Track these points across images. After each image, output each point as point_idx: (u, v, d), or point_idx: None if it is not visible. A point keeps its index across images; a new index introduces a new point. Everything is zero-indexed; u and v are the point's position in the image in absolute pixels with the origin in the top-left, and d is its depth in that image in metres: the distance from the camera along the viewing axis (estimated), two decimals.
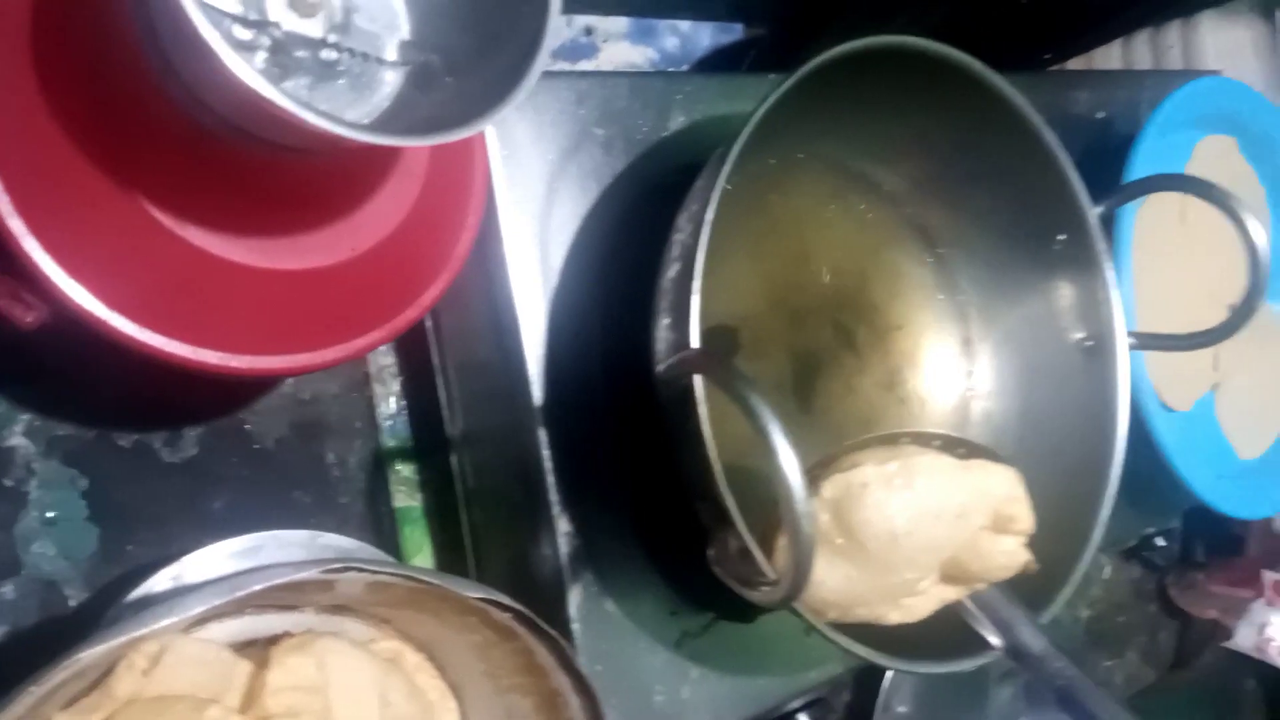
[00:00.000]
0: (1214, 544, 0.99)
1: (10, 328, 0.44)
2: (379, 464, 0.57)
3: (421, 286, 0.40)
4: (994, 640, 0.43)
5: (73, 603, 0.49)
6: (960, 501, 0.40)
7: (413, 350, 0.56)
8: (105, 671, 0.38)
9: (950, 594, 0.43)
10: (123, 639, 0.33)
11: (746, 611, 0.54)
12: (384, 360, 0.57)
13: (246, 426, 0.53)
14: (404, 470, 0.57)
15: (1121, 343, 0.51)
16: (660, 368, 0.39)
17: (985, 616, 0.43)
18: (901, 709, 0.78)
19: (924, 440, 0.42)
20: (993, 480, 0.41)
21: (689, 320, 0.37)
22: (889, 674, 0.74)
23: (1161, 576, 0.99)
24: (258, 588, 0.34)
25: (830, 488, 0.40)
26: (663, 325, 0.40)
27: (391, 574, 0.37)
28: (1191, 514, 0.94)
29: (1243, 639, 1.03)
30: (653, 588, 0.51)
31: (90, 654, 0.32)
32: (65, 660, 0.32)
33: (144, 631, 0.33)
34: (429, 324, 0.54)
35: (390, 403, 0.57)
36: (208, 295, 0.36)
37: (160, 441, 0.51)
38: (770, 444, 0.31)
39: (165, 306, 0.35)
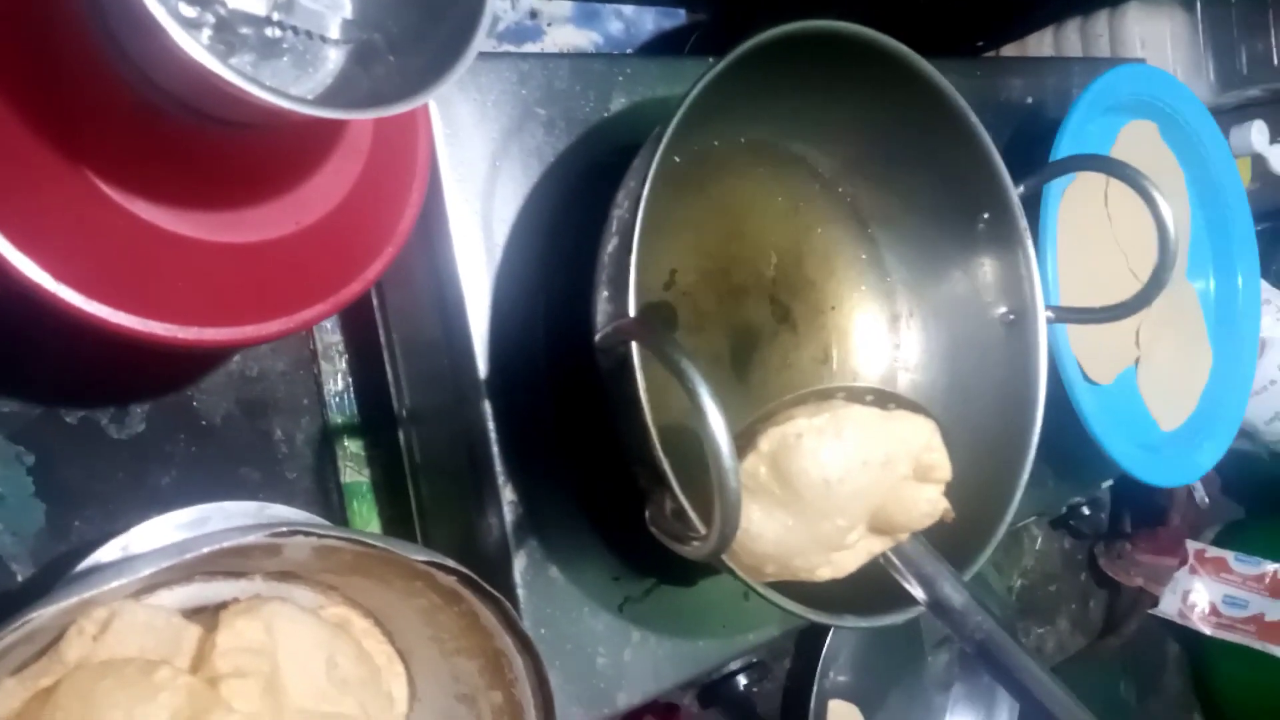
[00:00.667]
0: (1140, 515, 1.03)
1: None
2: (326, 440, 0.57)
3: (366, 261, 0.41)
4: (917, 594, 0.45)
5: (20, 578, 0.49)
6: (885, 450, 0.43)
7: (359, 328, 0.57)
8: (55, 638, 0.39)
9: (876, 546, 0.45)
10: (74, 600, 0.34)
11: (686, 576, 0.56)
12: (330, 338, 0.58)
13: (194, 403, 0.54)
14: (352, 446, 0.58)
15: (1040, 316, 0.53)
16: (598, 337, 0.41)
17: (910, 572, 0.45)
18: (841, 678, 0.81)
19: (857, 395, 0.45)
20: (912, 430, 0.44)
21: (626, 291, 0.39)
22: (827, 642, 0.76)
23: (1091, 546, 1.03)
24: (206, 550, 0.35)
25: (767, 441, 0.42)
26: (602, 298, 0.42)
27: (338, 538, 0.38)
28: (1118, 487, 0.98)
29: (1167, 606, 1.08)
30: (595, 554, 0.53)
31: (42, 615, 0.33)
32: (17, 621, 0.33)
33: (95, 592, 0.34)
34: (375, 301, 0.55)
35: (337, 380, 0.58)
36: (155, 268, 0.37)
37: (107, 418, 0.51)
38: (698, 403, 0.33)
39: (113, 279, 0.36)
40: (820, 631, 0.76)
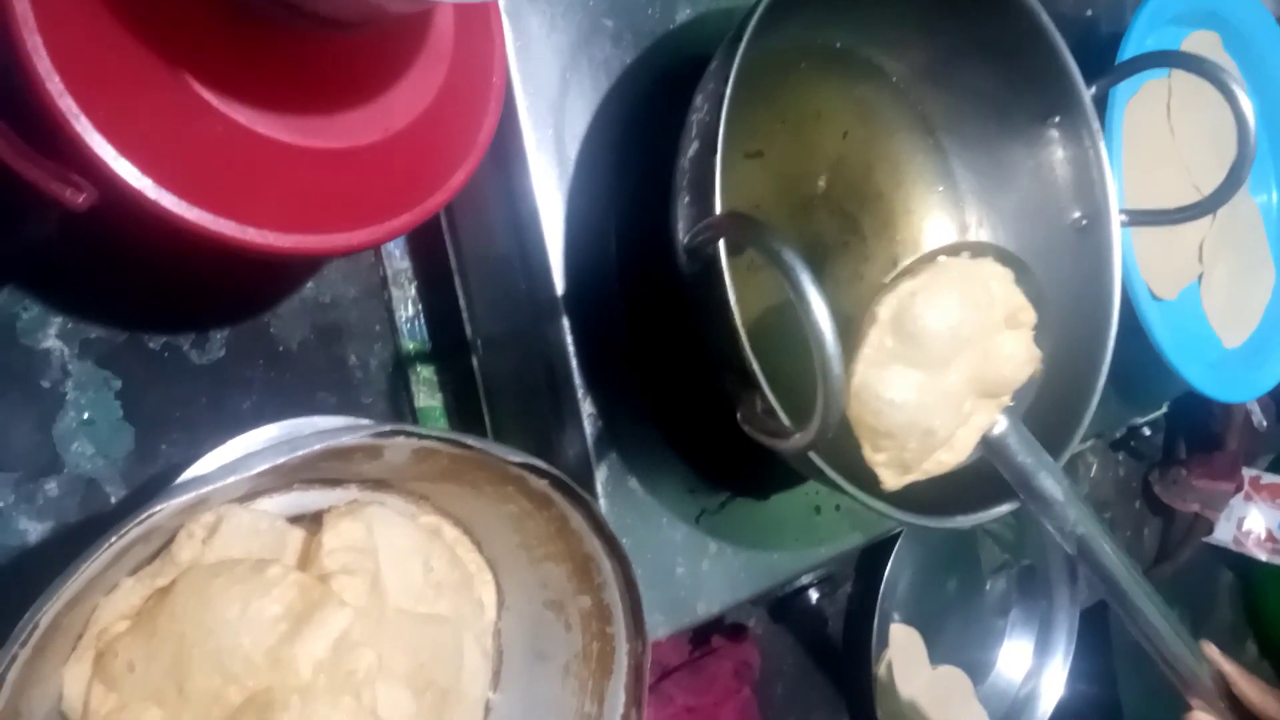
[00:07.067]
0: (1195, 441, 1.03)
1: (55, 216, 0.45)
2: (399, 366, 0.58)
3: (449, 170, 0.42)
4: (1019, 483, 0.45)
5: (113, 500, 0.50)
6: (986, 291, 0.44)
7: (428, 253, 0.57)
8: (165, 543, 0.40)
9: (984, 416, 0.45)
10: (192, 495, 0.34)
11: (760, 490, 0.56)
12: (400, 264, 0.58)
13: (271, 330, 0.54)
14: (424, 371, 0.59)
15: (1114, 217, 0.53)
16: (686, 238, 0.41)
17: (1012, 460, 0.45)
18: (901, 603, 0.81)
19: (929, 258, 0.46)
20: (996, 271, 0.45)
21: (712, 193, 0.39)
22: (889, 568, 0.76)
23: (1145, 473, 1.03)
24: (317, 448, 0.36)
25: (885, 309, 0.43)
26: (683, 203, 0.42)
27: (438, 438, 0.39)
28: (1174, 412, 0.97)
29: (1222, 533, 1.07)
30: (672, 467, 0.54)
31: (164, 509, 0.34)
32: (138, 516, 0.34)
33: (213, 487, 0.34)
34: (444, 225, 0.55)
35: (408, 306, 0.58)
36: (251, 174, 0.37)
37: (189, 344, 0.52)
38: (800, 288, 0.33)
39: (212, 185, 0.36)
40: (881, 558, 0.76)
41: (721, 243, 0.38)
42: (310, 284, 0.55)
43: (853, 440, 0.45)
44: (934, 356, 0.42)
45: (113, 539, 0.33)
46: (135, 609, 0.38)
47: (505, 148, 0.48)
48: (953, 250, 0.46)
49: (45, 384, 0.48)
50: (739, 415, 0.42)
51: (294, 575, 0.38)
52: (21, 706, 0.35)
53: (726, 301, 0.40)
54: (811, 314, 0.33)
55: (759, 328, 0.45)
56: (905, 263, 0.46)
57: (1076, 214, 0.55)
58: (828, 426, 0.35)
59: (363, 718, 0.37)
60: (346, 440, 0.37)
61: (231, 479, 0.35)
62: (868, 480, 0.45)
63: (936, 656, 0.83)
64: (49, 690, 0.38)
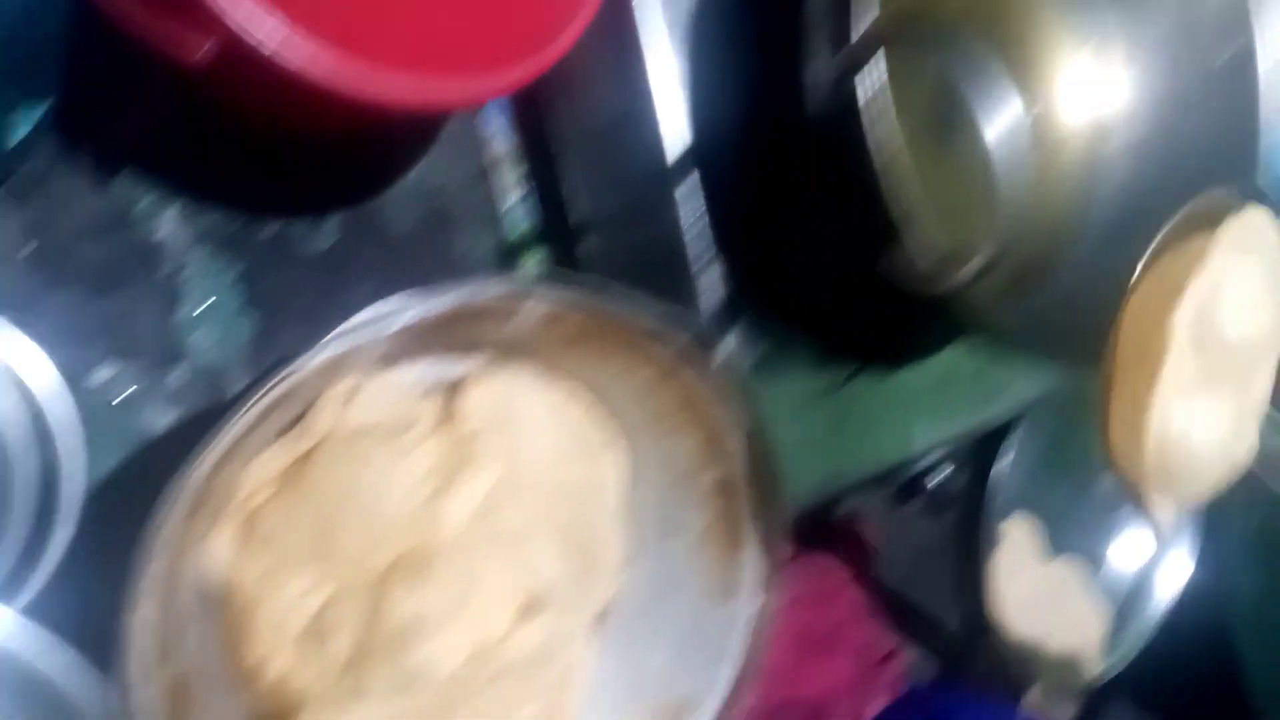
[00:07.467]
0: None
1: (168, 98, 0.45)
2: (509, 252, 0.57)
3: (570, 13, 0.40)
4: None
5: (237, 387, 0.50)
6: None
7: (534, 133, 0.56)
8: (303, 411, 0.39)
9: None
10: (337, 352, 0.34)
11: (889, 361, 0.54)
12: (505, 145, 0.57)
13: (380, 216, 0.53)
14: (531, 258, 0.58)
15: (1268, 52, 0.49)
16: (834, 64, 0.38)
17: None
18: (1015, 495, 0.79)
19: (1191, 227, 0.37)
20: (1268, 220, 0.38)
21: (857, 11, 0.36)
22: (1008, 457, 0.74)
23: None
24: (454, 302, 0.35)
25: (1182, 323, 0.35)
26: (821, 36, 0.39)
27: (572, 295, 0.38)
28: None
29: None
30: (796, 341, 0.52)
31: (309, 364, 0.33)
32: (285, 370, 0.33)
33: (356, 343, 0.34)
34: (549, 99, 0.53)
35: (513, 192, 0.57)
36: (377, 17, 0.35)
37: (302, 230, 0.51)
38: (979, 80, 0.31)
39: (336, 30, 0.35)
40: (996, 448, 0.74)
41: (878, 58, 0.35)
42: (417, 168, 0.54)
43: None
44: (1242, 367, 0.35)
45: (258, 397, 0.32)
46: (278, 476, 0.38)
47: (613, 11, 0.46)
48: (1200, 206, 0.37)
49: (163, 272, 0.48)
50: (883, 265, 0.40)
51: (436, 437, 0.37)
52: (176, 570, 0.35)
53: (869, 134, 0.37)
54: (988, 115, 0.30)
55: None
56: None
57: (1224, 56, 0.51)
58: (1003, 244, 0.32)
59: (520, 570, 0.37)
60: (482, 295, 0.36)
61: (371, 336, 0.34)
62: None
63: (1051, 547, 0.81)
64: (197, 558, 0.38)
